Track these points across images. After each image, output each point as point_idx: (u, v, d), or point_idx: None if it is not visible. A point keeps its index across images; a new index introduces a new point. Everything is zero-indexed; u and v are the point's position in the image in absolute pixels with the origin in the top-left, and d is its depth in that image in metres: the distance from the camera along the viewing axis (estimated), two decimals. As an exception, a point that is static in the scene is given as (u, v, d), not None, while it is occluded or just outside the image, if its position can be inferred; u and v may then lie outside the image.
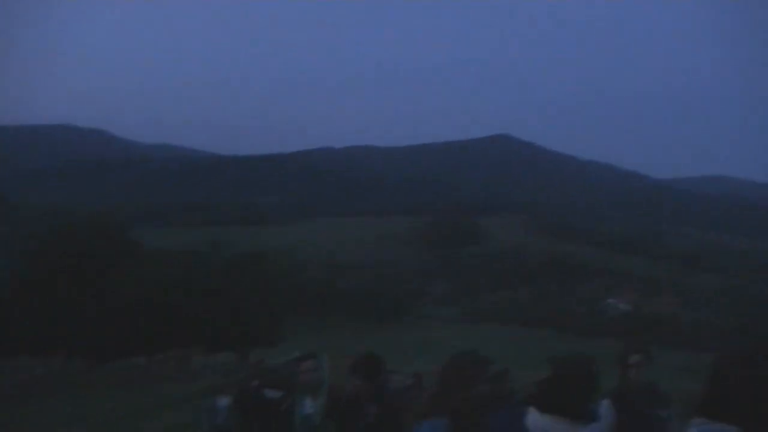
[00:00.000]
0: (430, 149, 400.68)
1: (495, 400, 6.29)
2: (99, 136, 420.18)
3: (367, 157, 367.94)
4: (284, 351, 22.18)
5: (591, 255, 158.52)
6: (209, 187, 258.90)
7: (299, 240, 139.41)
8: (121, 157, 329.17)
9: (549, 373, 3.24)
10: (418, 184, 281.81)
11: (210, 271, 40.93)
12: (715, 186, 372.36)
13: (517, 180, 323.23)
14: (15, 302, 33.23)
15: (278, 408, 6.01)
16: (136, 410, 19.47)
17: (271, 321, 41.52)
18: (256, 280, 44.93)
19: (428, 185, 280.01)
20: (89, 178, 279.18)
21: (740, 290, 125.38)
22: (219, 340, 36.12)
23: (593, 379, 3.21)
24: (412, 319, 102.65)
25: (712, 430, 2.88)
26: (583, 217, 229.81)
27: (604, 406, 4.89)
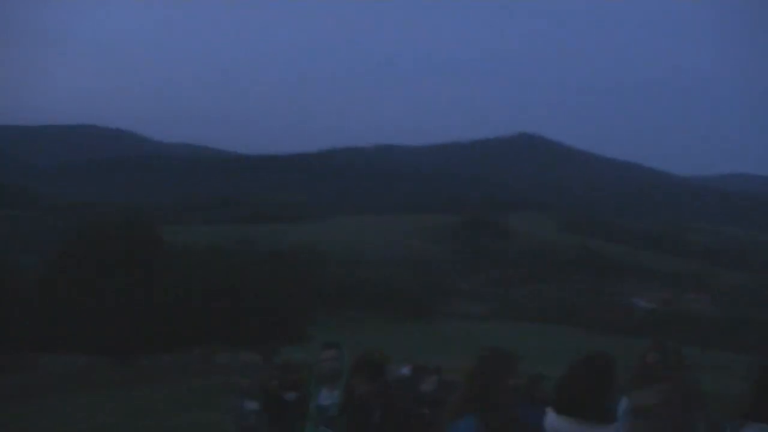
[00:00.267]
0: (456, 147, 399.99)
1: (530, 401, 6.13)
2: (124, 136, 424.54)
3: (393, 155, 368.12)
4: (311, 350, 22.15)
5: (618, 252, 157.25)
6: (236, 185, 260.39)
7: (327, 238, 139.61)
8: (148, 154, 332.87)
9: (565, 372, 3.02)
10: (445, 182, 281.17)
11: (237, 269, 40.93)
12: (736, 183, 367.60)
13: (542, 178, 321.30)
14: (44, 299, 33.58)
15: (296, 410, 6.27)
16: (164, 404, 19.57)
17: (300, 319, 41.53)
18: (285, 278, 45.00)
19: (454, 183, 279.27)
20: (117, 176, 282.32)
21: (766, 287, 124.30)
22: (246, 337, 36.18)
23: (612, 377, 2.97)
24: (441, 316, 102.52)
25: None
26: (608, 214, 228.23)
27: (624, 405, 4.60)
